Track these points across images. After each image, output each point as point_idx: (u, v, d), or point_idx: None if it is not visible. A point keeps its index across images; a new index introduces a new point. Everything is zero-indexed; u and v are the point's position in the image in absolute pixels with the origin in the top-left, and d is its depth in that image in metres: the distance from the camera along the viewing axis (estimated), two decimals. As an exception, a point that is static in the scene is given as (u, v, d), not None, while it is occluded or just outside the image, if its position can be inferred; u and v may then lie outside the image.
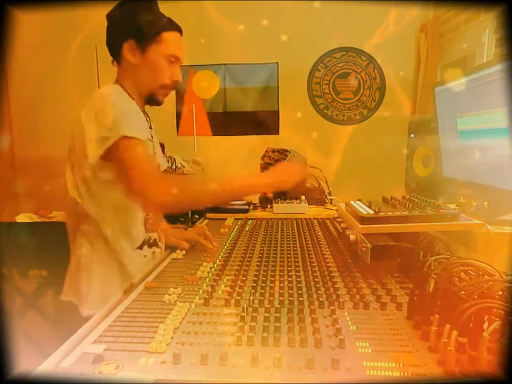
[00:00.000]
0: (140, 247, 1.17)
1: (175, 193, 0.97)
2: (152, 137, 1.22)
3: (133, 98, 1.17)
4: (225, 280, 0.88)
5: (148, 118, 1.25)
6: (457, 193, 1.36)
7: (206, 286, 0.85)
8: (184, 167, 2.28)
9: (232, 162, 3.09)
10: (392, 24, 3.13)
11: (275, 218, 1.55)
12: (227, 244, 1.19)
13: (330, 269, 0.94)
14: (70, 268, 1.18)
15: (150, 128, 1.24)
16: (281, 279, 0.88)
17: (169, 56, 1.15)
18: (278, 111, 3.42)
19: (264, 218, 1.55)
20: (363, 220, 0.95)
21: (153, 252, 1.21)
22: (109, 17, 1.15)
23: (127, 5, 1.14)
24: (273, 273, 0.91)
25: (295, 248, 1.13)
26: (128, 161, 1.01)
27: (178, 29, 1.17)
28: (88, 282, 1.13)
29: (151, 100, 1.21)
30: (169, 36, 1.14)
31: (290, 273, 0.90)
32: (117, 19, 1.14)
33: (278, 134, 3.42)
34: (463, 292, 0.60)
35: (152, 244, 1.21)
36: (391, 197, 1.13)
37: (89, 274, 1.13)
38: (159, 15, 1.15)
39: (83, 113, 1.07)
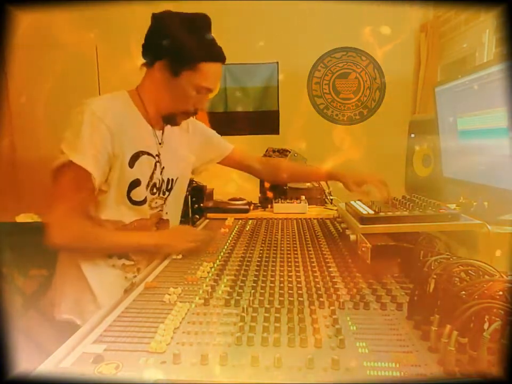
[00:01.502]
0: (110, 256, 1.13)
1: (66, 242, 1.02)
2: (159, 154, 1.16)
3: (146, 110, 1.14)
4: (225, 280, 0.88)
5: (158, 131, 1.18)
6: (457, 193, 1.36)
7: (206, 286, 0.85)
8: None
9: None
10: (392, 24, 3.13)
11: (275, 218, 1.55)
12: (227, 244, 1.19)
13: (330, 269, 0.93)
14: None
15: (160, 143, 1.18)
16: (281, 279, 0.88)
17: (201, 88, 1.09)
18: (278, 111, 3.42)
19: (264, 218, 1.55)
20: (363, 219, 0.95)
21: (123, 264, 1.14)
22: (155, 19, 1.07)
23: (176, 20, 1.05)
24: (273, 273, 0.91)
25: (295, 248, 1.13)
26: (57, 187, 1.03)
27: (220, 59, 1.10)
28: (61, 282, 1.15)
29: (169, 119, 1.16)
30: (207, 67, 1.07)
31: (290, 273, 0.90)
32: (161, 30, 1.06)
33: (278, 134, 3.42)
34: (463, 292, 0.60)
35: (123, 255, 1.14)
36: (391, 197, 1.13)
37: (62, 276, 1.15)
38: (205, 41, 1.07)
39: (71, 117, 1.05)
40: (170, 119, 1.16)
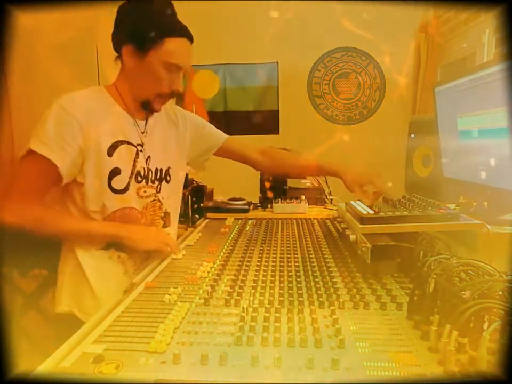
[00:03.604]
0: (105, 248, 1.14)
1: (17, 222, 1.04)
2: (142, 143, 1.16)
3: (124, 102, 1.15)
4: (225, 280, 0.88)
5: (140, 121, 1.18)
6: (457, 193, 1.36)
7: (206, 286, 0.85)
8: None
9: (232, 162, 3.09)
10: (392, 24, 3.13)
11: (275, 218, 1.55)
12: (227, 244, 1.19)
13: (330, 269, 0.93)
14: None
15: (143, 133, 1.18)
16: (281, 279, 0.88)
17: (169, 65, 1.08)
18: (278, 111, 3.42)
19: (264, 218, 1.55)
20: (363, 220, 0.95)
21: (119, 256, 1.15)
22: (117, 12, 1.10)
23: (134, 4, 1.08)
24: (273, 273, 0.91)
25: (295, 248, 1.13)
26: (17, 175, 1.07)
27: (185, 35, 1.10)
28: (61, 275, 1.16)
29: (146, 106, 1.16)
30: (173, 43, 1.07)
31: (290, 273, 0.90)
32: (121, 17, 1.09)
33: (278, 134, 3.42)
34: (463, 292, 0.60)
35: (119, 248, 1.15)
36: (392, 197, 1.13)
37: (63, 269, 1.16)
38: (167, 18, 1.08)
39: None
40: (147, 105, 1.15)
